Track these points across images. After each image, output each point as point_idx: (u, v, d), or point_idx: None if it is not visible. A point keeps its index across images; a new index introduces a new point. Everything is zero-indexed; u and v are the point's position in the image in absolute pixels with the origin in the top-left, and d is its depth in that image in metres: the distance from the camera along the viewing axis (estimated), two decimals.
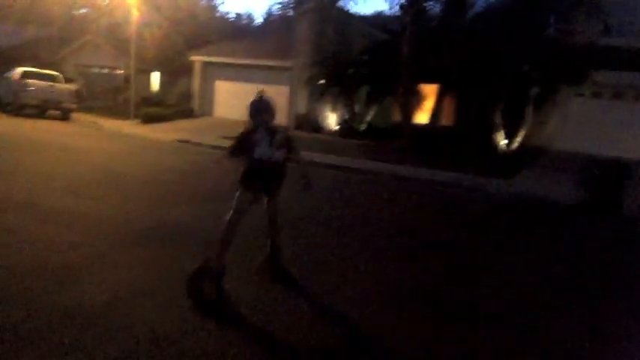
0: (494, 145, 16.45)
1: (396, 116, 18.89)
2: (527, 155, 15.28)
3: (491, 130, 16.56)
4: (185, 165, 11.55)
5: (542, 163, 14.68)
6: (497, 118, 16.47)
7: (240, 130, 4.37)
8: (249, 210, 4.26)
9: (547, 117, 16.81)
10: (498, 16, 16.55)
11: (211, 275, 3.94)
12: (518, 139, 16.28)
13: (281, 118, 21.93)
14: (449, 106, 18.46)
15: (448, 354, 3.36)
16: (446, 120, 18.63)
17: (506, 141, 16.41)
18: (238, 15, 43.77)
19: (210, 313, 3.52)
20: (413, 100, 17.44)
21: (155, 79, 29.97)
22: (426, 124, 17.17)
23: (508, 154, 15.93)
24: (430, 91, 17.80)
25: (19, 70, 20.46)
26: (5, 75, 21.32)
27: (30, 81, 19.40)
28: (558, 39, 15.69)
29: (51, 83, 20.04)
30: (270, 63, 22.39)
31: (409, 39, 15.97)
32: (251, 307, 3.71)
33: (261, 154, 4.18)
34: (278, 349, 3.23)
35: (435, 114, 17.15)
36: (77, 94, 22.26)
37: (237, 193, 4.24)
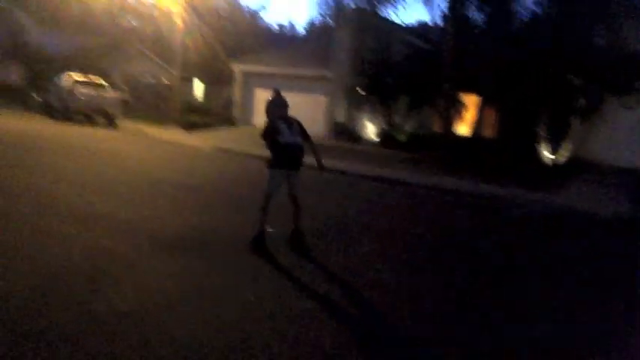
0: (537, 158, 15.99)
1: (437, 126, 18.63)
2: (572, 168, 14.78)
3: (535, 142, 16.11)
4: (222, 173, 11.66)
5: (588, 177, 14.15)
6: (541, 130, 16.01)
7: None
8: (280, 186, 5.47)
9: (593, 129, 16.24)
10: (543, 25, 16.12)
11: (256, 234, 5.38)
12: (563, 152, 15.78)
13: (319, 128, 22.12)
14: (491, 116, 18.09)
15: None
16: (488, 131, 18.25)
17: (550, 154, 15.92)
18: (281, 26, 44.24)
19: (235, 330, 3.46)
20: (454, 110, 17.16)
21: (198, 88, 30.61)
22: (467, 135, 16.84)
23: (552, 167, 15.45)
24: (471, 101, 17.47)
25: (69, 77, 21.23)
26: (55, 82, 22.17)
27: (78, 88, 20.08)
28: (606, 49, 15.17)
29: (98, 91, 20.69)
30: (310, 72, 22.48)
31: (451, 48, 15.73)
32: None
33: (286, 141, 5.37)
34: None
35: (477, 124, 16.81)
36: (123, 102, 22.94)
37: (269, 174, 5.45)
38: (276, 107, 5.64)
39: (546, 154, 15.99)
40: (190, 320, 3.49)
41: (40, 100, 23.39)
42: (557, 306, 4.73)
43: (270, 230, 5.72)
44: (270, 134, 5.42)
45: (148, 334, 3.20)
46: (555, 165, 15.63)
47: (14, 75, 34.72)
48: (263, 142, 5.50)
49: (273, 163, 5.45)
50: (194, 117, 22.80)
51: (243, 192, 9.12)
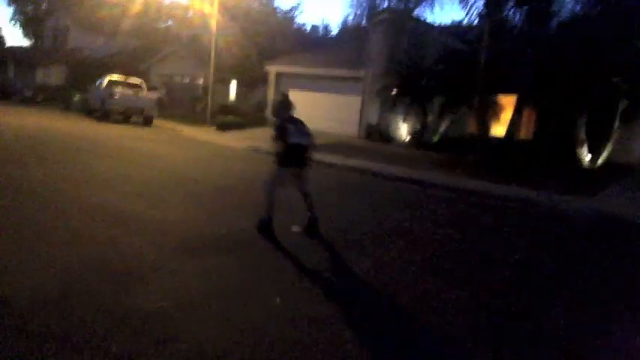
0: (576, 161, 15.51)
1: (471, 128, 18.29)
2: (612, 172, 14.27)
3: (574, 145, 15.63)
4: (254, 173, 11.70)
5: (629, 182, 13.64)
6: (581, 133, 15.52)
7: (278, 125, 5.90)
8: (287, 182, 5.97)
9: (637, 132, 15.65)
10: (584, 25, 15.60)
11: (262, 223, 5.80)
12: (604, 155, 15.25)
13: (352, 128, 22.03)
14: (528, 118, 17.65)
15: None
16: (524, 133, 17.81)
17: (589, 157, 15.42)
18: (314, 27, 44.23)
19: (262, 330, 3.43)
20: (489, 111, 16.79)
21: (232, 89, 30.93)
22: (503, 137, 16.43)
23: (592, 171, 14.96)
24: (508, 103, 17.06)
25: (106, 78, 21.77)
26: (94, 83, 22.80)
27: (115, 89, 20.56)
28: None
29: (135, 91, 21.15)
30: (343, 73, 22.41)
31: (487, 48, 15.40)
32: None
33: (294, 141, 5.75)
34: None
35: (513, 126, 16.37)
36: (159, 102, 23.38)
37: (276, 171, 5.93)
38: (284, 109, 6.10)
39: (585, 157, 15.49)
40: (214, 321, 3.47)
41: (79, 100, 24.07)
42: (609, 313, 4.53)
43: (296, 230, 5.75)
44: (280, 135, 5.78)
45: (171, 335, 3.19)
46: (594, 169, 15.13)
47: (56, 76, 35.87)
48: (273, 142, 5.91)
49: (281, 162, 5.89)
50: (228, 117, 23.03)
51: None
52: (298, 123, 5.94)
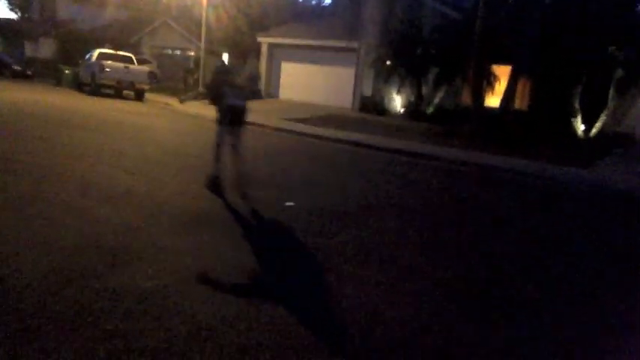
0: (571, 131, 15.51)
1: (466, 99, 18.22)
2: (608, 143, 14.29)
3: (569, 115, 15.61)
4: (247, 148, 11.63)
5: (624, 152, 13.68)
6: (576, 102, 15.48)
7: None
8: (226, 138, 6.58)
9: (631, 102, 15.60)
10: None
11: (211, 178, 6.50)
12: (598, 126, 15.25)
13: (346, 101, 21.86)
14: (523, 88, 17.56)
15: None
16: (519, 103, 17.76)
17: (584, 127, 15.41)
18: None
19: (253, 305, 3.44)
20: (484, 82, 16.69)
21: (225, 61, 30.51)
22: (498, 108, 16.38)
23: (586, 141, 14.97)
24: (503, 73, 16.95)
25: (96, 51, 21.42)
26: (85, 57, 22.44)
27: (106, 62, 20.25)
28: None
29: (126, 65, 20.84)
30: (336, 44, 22.15)
31: (482, 18, 15.20)
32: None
33: (232, 103, 6.38)
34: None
35: (508, 97, 16.31)
36: (151, 75, 23.08)
37: (217, 129, 6.62)
38: (221, 74, 6.68)
39: (579, 128, 15.48)
40: (209, 298, 3.47)
41: (70, 74, 23.72)
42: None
43: (289, 204, 5.81)
44: (216, 97, 6.62)
45: (167, 311, 3.19)
46: (588, 139, 15.14)
47: (45, 49, 35.24)
48: (210, 104, 6.94)
49: (220, 121, 6.62)
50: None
51: (267, 168, 9.08)
52: (236, 87, 6.51)
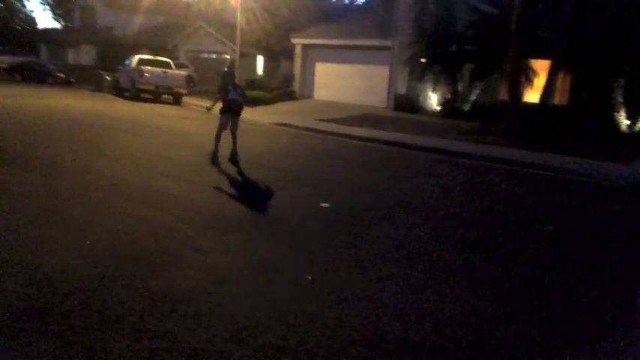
0: (613, 127, 14.98)
1: (503, 95, 17.83)
2: None
3: (612, 110, 15.08)
4: (282, 148, 11.74)
5: None
6: (619, 96, 14.94)
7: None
8: (227, 126, 8.86)
9: None
10: None
11: (211, 153, 8.78)
12: None
13: (380, 99, 21.72)
14: (562, 83, 17.07)
15: None
16: (559, 98, 17.27)
17: (628, 122, 14.87)
18: None
19: (290, 306, 3.47)
20: (522, 77, 16.30)
21: (259, 63, 30.81)
22: (537, 103, 15.96)
23: (629, 137, 14.45)
24: (541, 68, 16.51)
25: (136, 58, 21.95)
26: (124, 62, 23.03)
27: (145, 68, 20.73)
28: None
29: (164, 69, 21.29)
30: (370, 43, 22.04)
31: (518, 11, 14.85)
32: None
33: (231, 97, 8.83)
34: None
35: (547, 92, 15.86)
36: (188, 79, 23.49)
37: (220, 117, 8.94)
38: (228, 76, 10.19)
39: (623, 123, 14.95)
40: (246, 298, 3.53)
41: (110, 80, 24.39)
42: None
43: (324, 205, 5.87)
44: (223, 92, 9.16)
45: (206, 312, 3.26)
46: (632, 134, 14.61)
47: (86, 56, 36.35)
48: (218, 98, 9.57)
49: (222, 111, 8.96)
50: (255, 92, 23.00)
51: (303, 169, 9.14)
52: (238, 87, 9.16)
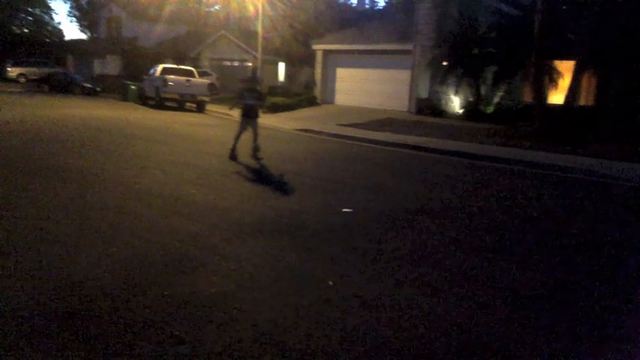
0: None
1: (527, 97, 17.64)
2: None
3: (639, 111, 14.76)
4: (302, 154, 11.78)
5: None
6: None
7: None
8: (246, 127, 10.02)
9: None
10: None
11: (230, 153, 9.74)
12: None
13: (402, 103, 21.65)
14: (588, 84, 16.79)
15: None
16: (585, 99, 16.98)
17: None
18: (360, 1, 43.51)
19: (312, 311, 3.49)
20: (546, 78, 16.09)
21: (281, 70, 31.03)
22: (562, 105, 15.73)
23: None
24: (565, 68, 16.28)
25: (160, 67, 22.36)
26: (149, 72, 23.47)
27: (169, 77, 21.09)
28: None
29: (187, 78, 21.63)
30: (391, 47, 22.04)
31: (541, 12, 14.67)
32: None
33: (247, 102, 9.98)
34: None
35: (572, 93, 15.61)
36: (211, 87, 23.81)
37: (240, 120, 10.09)
38: (246, 82, 10.63)
39: None
40: (271, 304, 3.56)
41: (135, 89, 24.86)
42: None
43: (347, 210, 6.09)
44: (240, 98, 10.21)
45: (230, 317, 3.30)
46: None
47: (112, 66, 37.11)
48: (236, 103, 10.54)
49: (242, 115, 10.10)
50: (277, 99, 23.18)
51: (324, 174, 9.16)
52: (254, 91, 10.19)
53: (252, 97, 9.95)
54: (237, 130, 9.97)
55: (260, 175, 8.61)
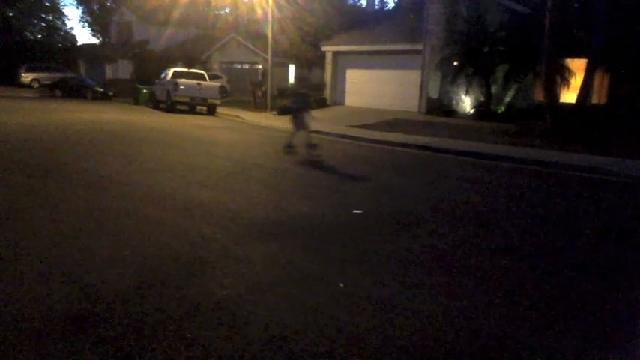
0: None
1: (539, 96, 17.50)
2: None
3: None
4: (314, 157, 11.76)
5: None
6: None
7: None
8: (298, 124, 11.18)
9: None
10: None
11: (288, 145, 11.21)
12: None
13: (413, 104, 21.60)
14: (600, 82, 16.63)
15: None
16: (597, 98, 16.82)
17: None
18: (369, 1, 43.48)
19: (323, 314, 3.49)
20: (557, 77, 15.96)
21: (291, 72, 31.08)
22: (574, 103, 15.59)
23: None
24: (577, 67, 16.14)
25: (171, 70, 22.51)
26: (160, 75, 23.63)
27: (180, 80, 21.22)
28: None
29: (198, 81, 21.75)
30: (400, 47, 22.00)
31: (551, 9, 14.55)
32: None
33: (294, 105, 11.36)
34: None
35: (584, 91, 15.47)
36: (221, 90, 23.91)
37: (292, 120, 11.30)
38: (296, 87, 13.36)
39: None
40: (282, 306, 3.57)
41: (147, 93, 25.05)
42: None
43: (357, 212, 6.17)
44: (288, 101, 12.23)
45: (241, 320, 3.31)
46: None
47: (123, 71, 37.42)
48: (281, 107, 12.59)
49: (292, 115, 11.35)
50: (287, 101, 23.20)
51: (334, 175, 9.16)
52: (298, 95, 11.89)
53: (297, 101, 11.42)
54: (293, 126, 11.31)
55: (270, 178, 8.63)
